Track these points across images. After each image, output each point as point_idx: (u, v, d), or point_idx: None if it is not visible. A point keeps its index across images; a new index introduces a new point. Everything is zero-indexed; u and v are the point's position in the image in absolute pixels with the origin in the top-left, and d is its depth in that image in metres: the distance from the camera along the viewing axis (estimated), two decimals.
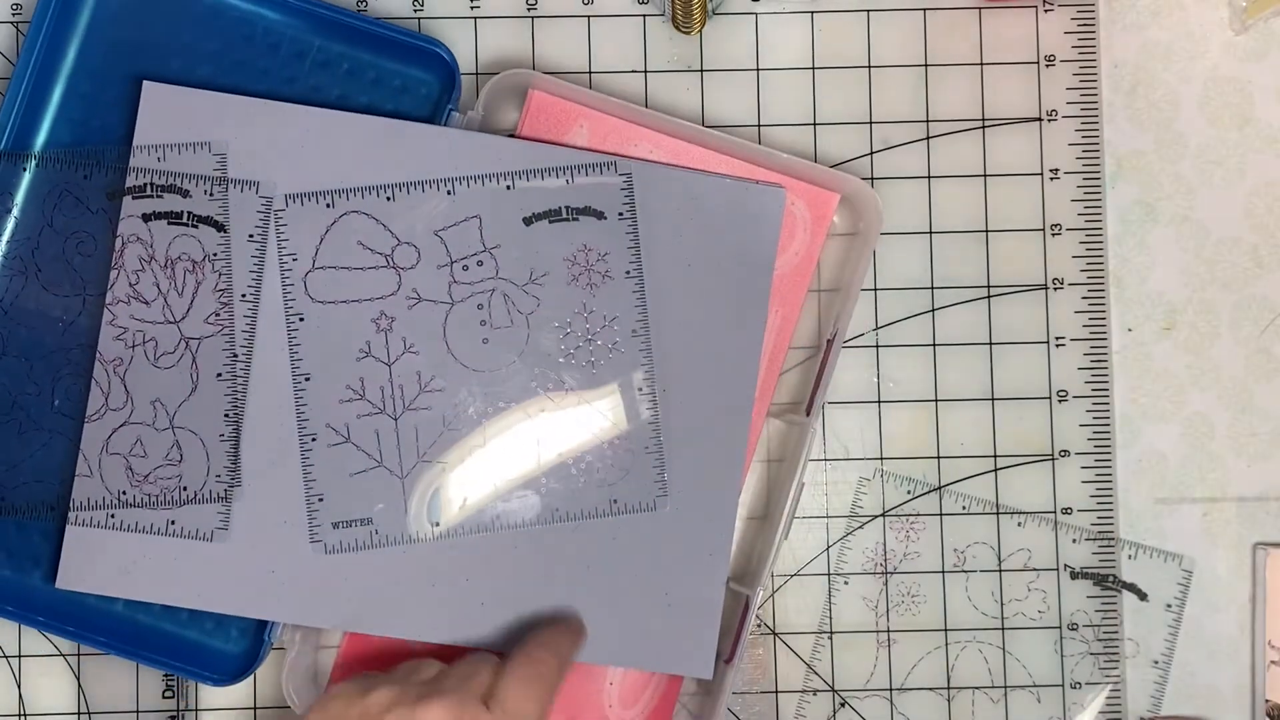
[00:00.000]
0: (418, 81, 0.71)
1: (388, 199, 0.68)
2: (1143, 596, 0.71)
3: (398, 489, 0.68)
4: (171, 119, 0.68)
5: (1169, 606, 0.72)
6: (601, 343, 0.69)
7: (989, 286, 0.73)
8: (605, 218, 0.69)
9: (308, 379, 0.68)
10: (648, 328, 0.69)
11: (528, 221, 0.69)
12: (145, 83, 0.68)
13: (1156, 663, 0.72)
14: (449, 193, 0.68)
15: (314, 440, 0.68)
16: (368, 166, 0.69)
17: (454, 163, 0.69)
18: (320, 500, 0.68)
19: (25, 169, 0.69)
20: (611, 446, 0.69)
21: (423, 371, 0.68)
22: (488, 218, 0.69)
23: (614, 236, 0.69)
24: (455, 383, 0.69)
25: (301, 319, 0.68)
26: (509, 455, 0.69)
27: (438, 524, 0.68)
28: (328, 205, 0.68)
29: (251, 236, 0.68)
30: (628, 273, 0.69)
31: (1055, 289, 0.73)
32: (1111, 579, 0.71)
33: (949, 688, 0.72)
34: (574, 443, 0.69)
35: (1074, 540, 0.73)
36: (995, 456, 0.73)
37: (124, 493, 0.68)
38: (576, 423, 0.69)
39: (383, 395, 0.68)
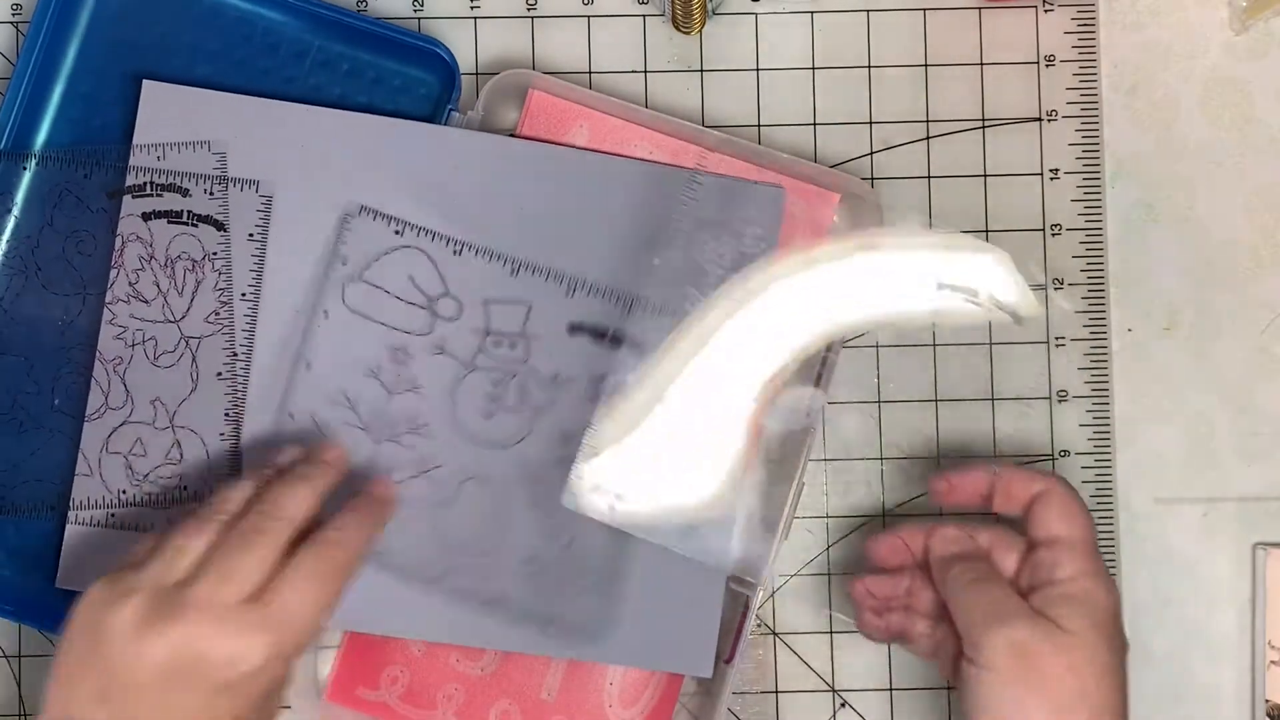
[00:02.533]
0: (418, 81, 0.71)
1: (455, 252, 0.68)
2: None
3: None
4: (171, 118, 0.68)
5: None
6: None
7: None
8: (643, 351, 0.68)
9: (309, 367, 0.68)
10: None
11: (572, 331, 0.68)
12: (145, 82, 0.68)
13: None
14: (512, 273, 0.68)
15: (290, 418, 0.68)
16: (368, 166, 0.68)
17: (453, 163, 0.69)
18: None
19: (25, 168, 0.69)
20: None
21: (419, 414, 0.68)
22: (537, 310, 0.68)
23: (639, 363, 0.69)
24: (445, 439, 0.68)
25: (326, 315, 0.68)
26: (469, 521, 0.68)
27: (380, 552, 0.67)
28: (396, 232, 0.68)
29: (251, 236, 0.68)
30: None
31: (1055, 289, 0.73)
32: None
33: (949, 688, 0.72)
34: (543, 530, 0.69)
35: None
36: (995, 456, 0.73)
37: (124, 492, 0.68)
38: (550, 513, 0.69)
39: (373, 417, 0.68)
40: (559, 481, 0.68)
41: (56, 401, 0.69)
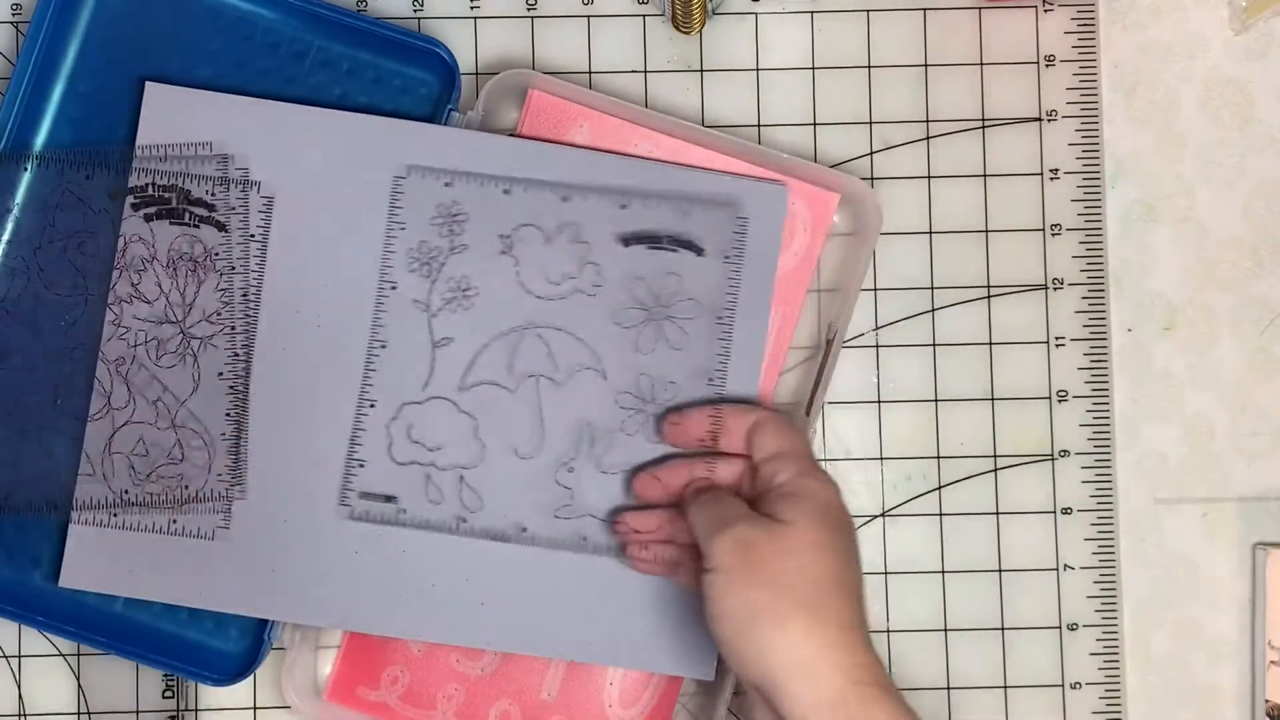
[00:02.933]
0: (418, 81, 0.71)
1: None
2: (699, 251, 0.70)
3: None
4: (174, 119, 0.68)
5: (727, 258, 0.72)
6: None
7: (989, 286, 0.73)
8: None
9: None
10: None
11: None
12: (147, 83, 0.68)
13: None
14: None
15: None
16: (369, 166, 0.69)
17: (455, 162, 0.69)
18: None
19: (26, 169, 0.69)
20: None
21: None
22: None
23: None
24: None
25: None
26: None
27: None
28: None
29: (254, 236, 0.68)
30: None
31: (1055, 289, 0.73)
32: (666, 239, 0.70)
33: (949, 688, 0.72)
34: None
35: (1074, 540, 0.73)
36: (995, 456, 0.73)
37: (126, 492, 0.68)
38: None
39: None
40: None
41: (59, 402, 0.69)
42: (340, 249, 0.69)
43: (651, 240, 0.69)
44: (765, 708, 0.60)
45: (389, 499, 0.68)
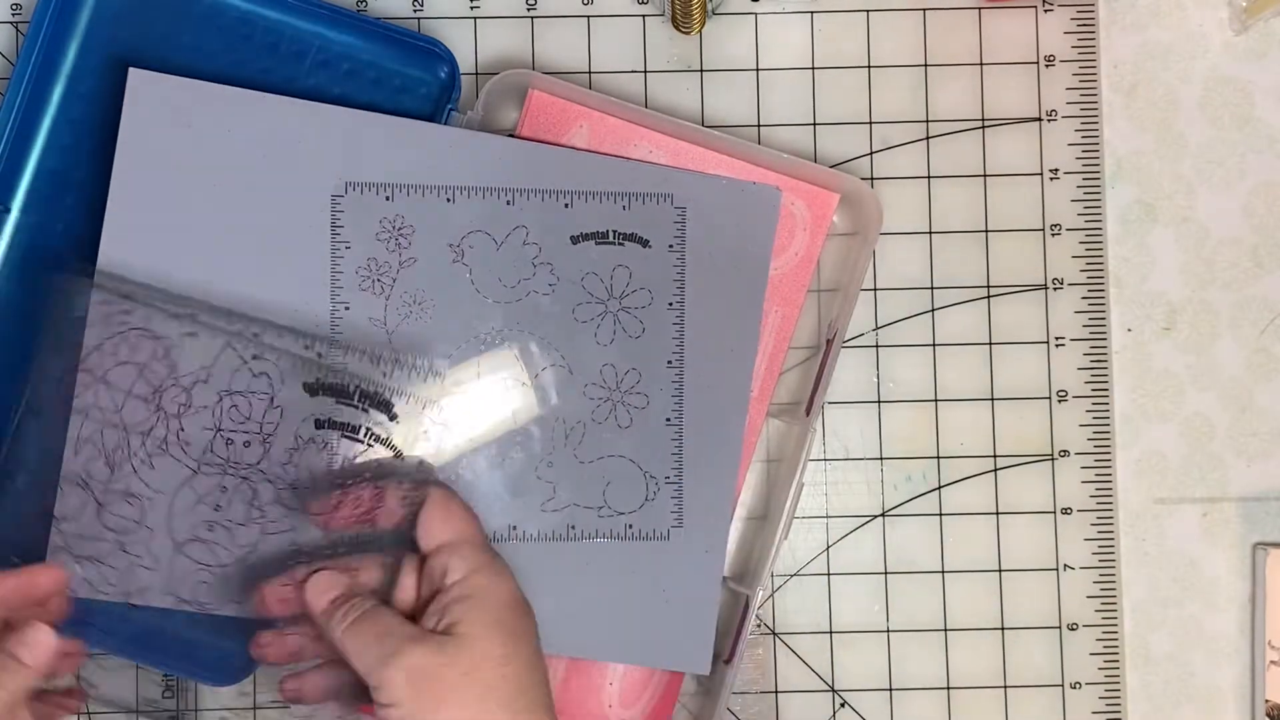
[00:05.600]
0: (418, 81, 0.71)
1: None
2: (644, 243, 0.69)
3: None
4: (158, 108, 0.67)
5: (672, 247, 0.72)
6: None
7: (989, 286, 0.73)
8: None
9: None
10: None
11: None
12: (131, 70, 0.67)
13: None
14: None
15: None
16: (362, 160, 0.68)
17: (453, 161, 0.69)
18: None
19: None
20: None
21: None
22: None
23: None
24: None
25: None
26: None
27: None
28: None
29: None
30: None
31: (1055, 289, 0.73)
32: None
33: (949, 688, 0.72)
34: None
35: (1074, 540, 0.73)
36: (995, 456, 0.73)
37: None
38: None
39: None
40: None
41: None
42: (291, 267, 0.68)
43: (599, 237, 0.69)
44: None
45: None
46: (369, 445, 0.65)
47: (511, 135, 0.71)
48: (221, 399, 0.65)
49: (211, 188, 0.68)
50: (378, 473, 0.65)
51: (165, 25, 0.70)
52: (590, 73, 0.73)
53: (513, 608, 0.60)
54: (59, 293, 0.66)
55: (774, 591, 0.72)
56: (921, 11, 0.74)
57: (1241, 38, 0.74)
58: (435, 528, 0.62)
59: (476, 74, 0.73)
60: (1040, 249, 0.73)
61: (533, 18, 0.74)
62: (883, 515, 0.73)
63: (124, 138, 0.67)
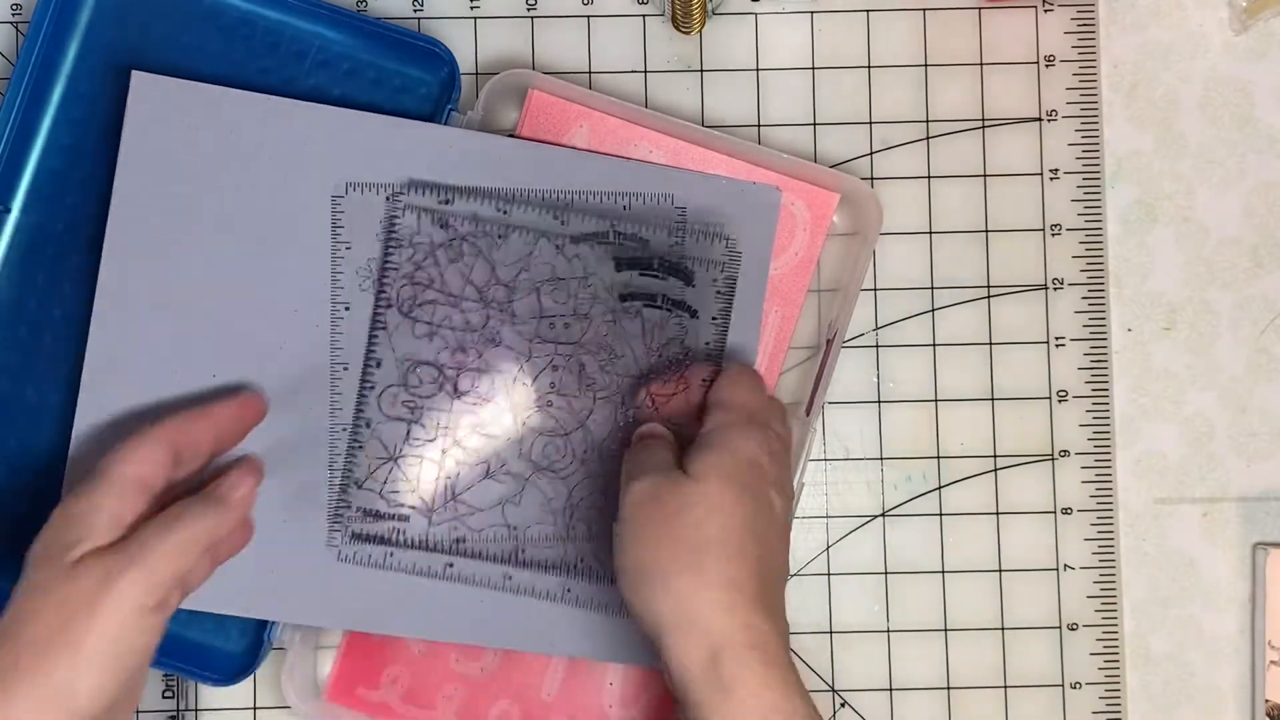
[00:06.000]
0: (418, 81, 0.71)
1: (446, 202, 0.68)
2: (689, 279, 0.69)
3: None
4: (161, 110, 0.67)
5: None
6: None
7: (989, 286, 0.73)
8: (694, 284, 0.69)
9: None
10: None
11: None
12: (134, 73, 0.67)
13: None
14: (561, 221, 0.68)
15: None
16: (362, 162, 0.68)
17: (453, 161, 0.69)
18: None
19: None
20: None
21: (480, 411, 0.68)
22: (583, 279, 0.69)
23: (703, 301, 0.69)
24: (507, 434, 0.69)
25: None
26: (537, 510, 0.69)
27: (462, 541, 0.68)
28: (391, 196, 0.68)
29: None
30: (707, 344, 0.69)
31: (1055, 289, 0.73)
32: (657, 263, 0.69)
33: (949, 688, 0.72)
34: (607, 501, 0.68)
35: (1074, 540, 0.73)
36: (995, 456, 0.73)
37: None
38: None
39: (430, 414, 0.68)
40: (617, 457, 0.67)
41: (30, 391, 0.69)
42: (291, 267, 0.68)
43: (600, 239, 0.69)
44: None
45: (380, 540, 0.68)
46: (668, 310, 0.68)
47: (511, 135, 0.71)
48: (539, 288, 0.68)
49: (213, 189, 0.68)
50: (683, 347, 0.69)
51: (165, 25, 0.70)
52: (590, 73, 0.73)
53: (754, 469, 0.61)
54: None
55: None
56: (921, 11, 0.74)
57: (1242, 38, 0.74)
58: (720, 386, 0.65)
59: (476, 74, 0.73)
60: (1040, 249, 0.73)
61: (533, 18, 0.74)
62: (883, 515, 0.73)
63: (127, 140, 0.67)
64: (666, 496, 0.60)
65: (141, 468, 0.60)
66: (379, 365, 0.68)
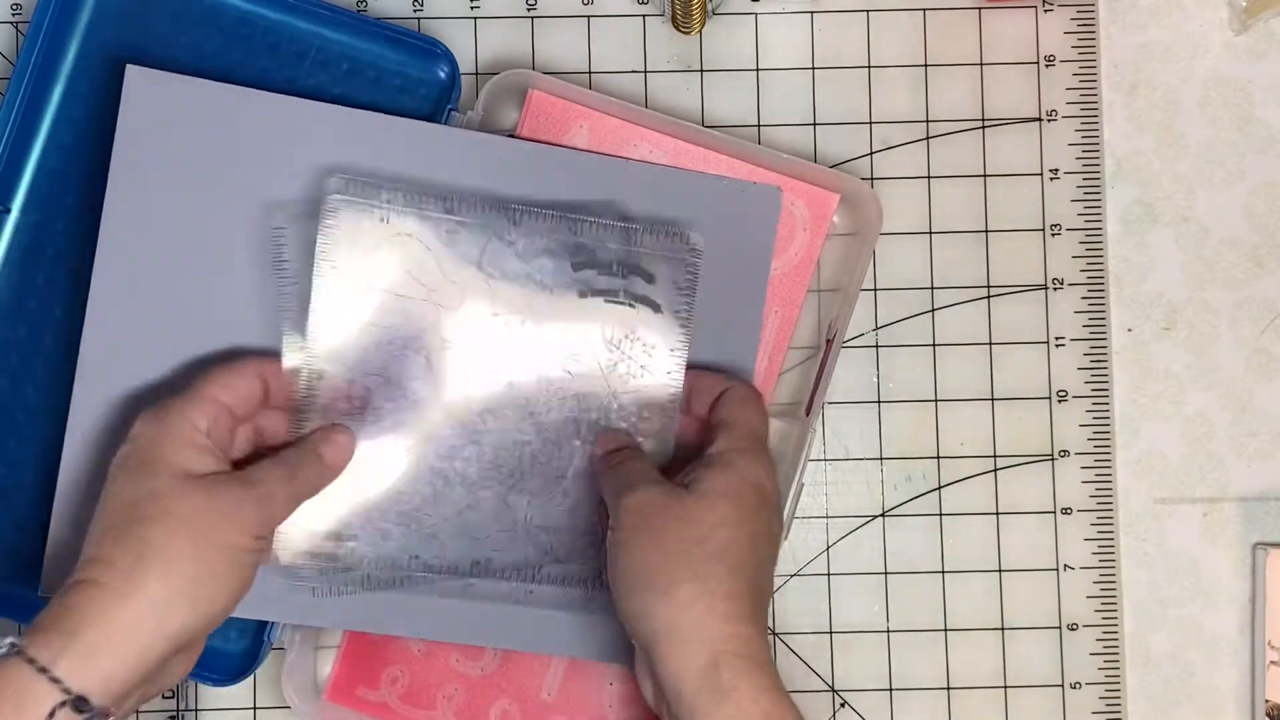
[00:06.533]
0: (417, 81, 0.71)
1: (446, 206, 0.67)
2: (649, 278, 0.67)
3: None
4: (155, 105, 0.67)
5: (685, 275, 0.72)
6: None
7: (989, 286, 0.73)
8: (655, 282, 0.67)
9: (319, 377, 0.67)
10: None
11: (580, 291, 0.67)
12: (128, 66, 0.67)
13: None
14: (512, 222, 0.67)
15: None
16: (362, 163, 0.68)
17: (453, 161, 0.68)
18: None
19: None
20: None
21: (432, 414, 0.67)
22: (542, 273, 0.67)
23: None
24: (461, 438, 0.67)
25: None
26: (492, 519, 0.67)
27: (417, 557, 0.67)
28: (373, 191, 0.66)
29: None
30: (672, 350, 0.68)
31: (1055, 289, 0.73)
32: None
33: (949, 688, 0.72)
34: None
35: (1074, 540, 0.73)
36: (995, 456, 0.73)
37: None
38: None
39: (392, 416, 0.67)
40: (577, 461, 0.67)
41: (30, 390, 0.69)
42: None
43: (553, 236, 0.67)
44: (649, 671, 0.60)
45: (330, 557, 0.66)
46: (629, 306, 0.67)
47: (511, 135, 0.71)
48: (492, 287, 0.66)
49: (208, 184, 0.67)
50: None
51: (165, 25, 0.70)
52: (590, 73, 0.73)
53: (757, 492, 0.62)
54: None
55: (774, 592, 0.72)
56: (921, 11, 0.74)
57: (1242, 38, 0.74)
58: (726, 407, 0.65)
59: (476, 74, 0.73)
60: (1040, 249, 0.73)
61: (533, 18, 0.74)
62: (883, 515, 0.73)
63: (121, 134, 0.67)
64: (665, 508, 0.61)
65: (235, 394, 0.62)
66: (319, 376, 0.65)
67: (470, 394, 0.67)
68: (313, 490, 0.64)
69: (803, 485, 0.70)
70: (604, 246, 0.67)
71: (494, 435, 0.67)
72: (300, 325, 0.66)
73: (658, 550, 0.60)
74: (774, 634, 0.72)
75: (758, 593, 0.60)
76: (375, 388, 0.66)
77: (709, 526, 0.60)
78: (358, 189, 0.66)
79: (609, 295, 0.67)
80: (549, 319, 0.67)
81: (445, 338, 0.66)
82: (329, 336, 0.66)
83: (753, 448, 0.64)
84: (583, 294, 0.67)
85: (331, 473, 0.65)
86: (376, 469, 0.66)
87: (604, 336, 0.67)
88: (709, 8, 0.72)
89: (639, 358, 0.67)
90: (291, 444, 0.65)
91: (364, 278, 0.66)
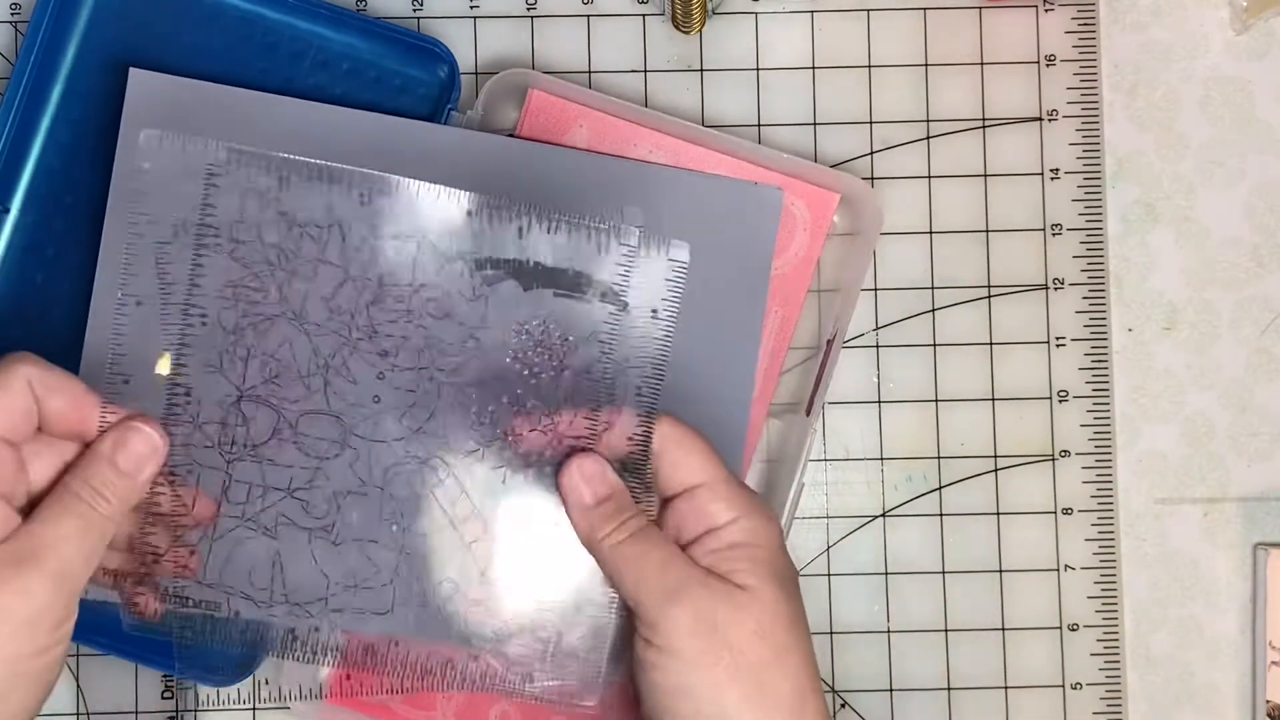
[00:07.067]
0: (417, 81, 0.71)
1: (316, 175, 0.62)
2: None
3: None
4: (159, 109, 0.67)
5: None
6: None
7: (989, 286, 0.73)
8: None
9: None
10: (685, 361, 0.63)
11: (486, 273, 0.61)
12: (132, 70, 0.67)
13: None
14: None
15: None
16: (362, 163, 0.68)
17: (453, 161, 0.68)
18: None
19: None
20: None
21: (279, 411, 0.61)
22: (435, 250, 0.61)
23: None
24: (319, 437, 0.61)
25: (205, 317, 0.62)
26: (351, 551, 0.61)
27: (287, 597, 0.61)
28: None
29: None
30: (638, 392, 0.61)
31: (1055, 289, 0.73)
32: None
33: (949, 688, 0.72)
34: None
35: (1074, 540, 0.73)
36: (995, 456, 0.73)
37: None
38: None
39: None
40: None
41: None
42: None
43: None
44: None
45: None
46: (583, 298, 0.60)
47: (511, 135, 0.71)
48: (411, 304, 0.60)
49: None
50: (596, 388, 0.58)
51: (165, 25, 0.70)
52: (590, 72, 0.73)
53: (785, 558, 0.55)
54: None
55: None
56: (922, 11, 0.74)
57: (1242, 37, 0.74)
58: (681, 470, 0.55)
59: (476, 74, 0.73)
60: (1041, 249, 0.73)
61: (533, 17, 0.74)
62: (883, 516, 0.73)
63: (124, 138, 0.67)
64: (732, 624, 0.52)
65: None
66: (188, 394, 0.60)
67: (376, 434, 0.60)
68: (117, 524, 0.53)
69: (803, 485, 0.70)
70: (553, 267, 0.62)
71: (404, 478, 0.61)
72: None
73: (735, 679, 0.52)
74: None
75: (815, 675, 0.54)
76: (258, 418, 0.60)
77: (783, 634, 0.53)
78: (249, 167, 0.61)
79: (560, 290, 0.61)
80: (480, 349, 0.61)
81: (344, 366, 0.60)
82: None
83: (750, 500, 0.55)
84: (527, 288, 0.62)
85: (137, 489, 0.54)
86: (251, 519, 0.60)
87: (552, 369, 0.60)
88: (709, 8, 0.72)
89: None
90: (75, 460, 0.52)
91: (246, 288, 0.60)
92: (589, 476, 0.56)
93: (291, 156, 0.61)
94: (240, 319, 0.61)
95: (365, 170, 0.62)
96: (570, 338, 0.61)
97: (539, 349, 0.60)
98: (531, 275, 0.62)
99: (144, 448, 0.54)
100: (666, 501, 0.56)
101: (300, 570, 0.60)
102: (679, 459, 0.56)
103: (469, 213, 0.62)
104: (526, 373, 0.61)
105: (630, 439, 0.57)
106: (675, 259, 0.62)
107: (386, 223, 0.62)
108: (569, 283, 0.62)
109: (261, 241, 0.61)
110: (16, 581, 0.49)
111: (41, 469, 0.54)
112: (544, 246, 0.61)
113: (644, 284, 0.62)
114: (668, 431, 0.56)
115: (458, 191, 0.62)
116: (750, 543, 0.54)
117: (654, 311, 0.62)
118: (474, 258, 0.62)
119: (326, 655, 0.60)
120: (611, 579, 0.56)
